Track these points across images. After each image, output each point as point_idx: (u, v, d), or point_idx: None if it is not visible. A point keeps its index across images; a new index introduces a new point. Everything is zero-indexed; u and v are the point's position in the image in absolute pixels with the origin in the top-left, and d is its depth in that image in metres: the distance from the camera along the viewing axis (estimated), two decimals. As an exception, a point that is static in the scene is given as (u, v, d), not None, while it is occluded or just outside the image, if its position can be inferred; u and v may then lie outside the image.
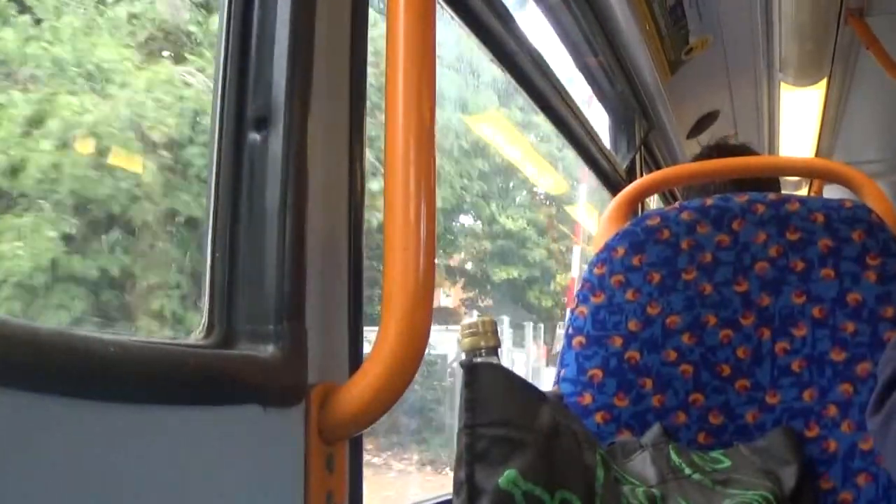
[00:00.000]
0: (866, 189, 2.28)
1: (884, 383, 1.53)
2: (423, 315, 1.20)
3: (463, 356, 1.38)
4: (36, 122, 3.79)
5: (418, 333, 1.20)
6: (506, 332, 12.39)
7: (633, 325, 1.87)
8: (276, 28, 1.28)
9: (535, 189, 15.88)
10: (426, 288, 1.19)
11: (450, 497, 1.33)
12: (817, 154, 5.62)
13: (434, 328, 1.24)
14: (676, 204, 2.04)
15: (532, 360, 13.70)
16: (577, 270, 12.14)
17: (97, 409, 0.91)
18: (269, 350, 1.19)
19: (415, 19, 1.24)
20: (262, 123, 1.25)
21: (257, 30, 1.28)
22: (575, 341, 1.90)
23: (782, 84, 4.60)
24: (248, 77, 1.27)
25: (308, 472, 1.22)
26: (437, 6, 1.30)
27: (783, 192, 2.23)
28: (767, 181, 2.57)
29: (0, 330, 0.82)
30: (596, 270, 1.95)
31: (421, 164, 1.20)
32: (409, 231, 1.18)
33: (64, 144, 3.86)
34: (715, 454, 1.72)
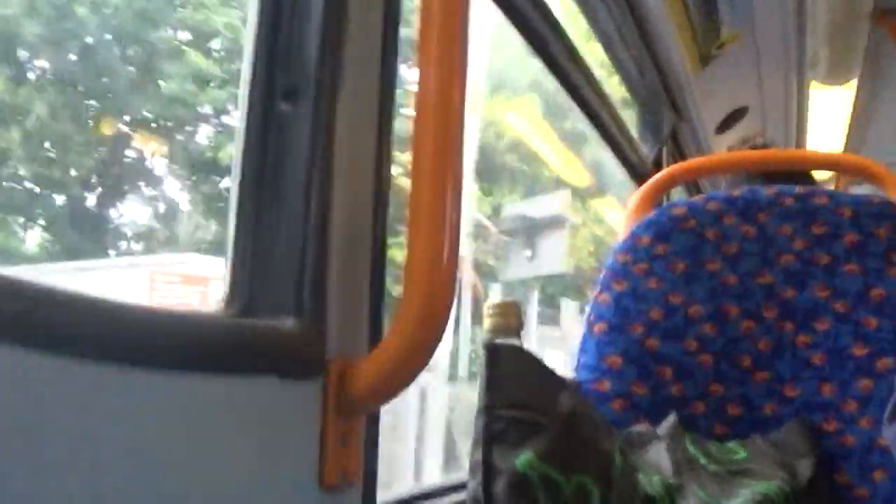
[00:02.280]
0: (890, 183, 2.28)
1: None
2: (445, 289, 1.18)
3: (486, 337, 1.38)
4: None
5: (440, 308, 1.19)
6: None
7: (654, 314, 1.87)
8: (310, 2, 1.27)
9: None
10: (450, 262, 1.18)
11: (465, 480, 1.33)
12: (845, 152, 5.60)
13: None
14: (702, 195, 2.03)
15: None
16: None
17: (114, 371, 0.91)
18: (289, 322, 1.19)
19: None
20: (292, 94, 1.25)
21: (289, 2, 1.28)
22: (596, 328, 1.89)
23: (812, 82, 4.59)
24: (280, 47, 1.27)
25: (323, 445, 1.22)
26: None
27: None
28: (803, 176, 2.56)
29: (20, 289, 0.82)
30: (619, 258, 1.94)
31: (448, 139, 1.19)
32: (434, 203, 1.17)
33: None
34: (731, 445, 1.71)
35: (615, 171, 3.75)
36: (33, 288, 0.84)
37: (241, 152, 1.26)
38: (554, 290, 17.07)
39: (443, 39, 1.22)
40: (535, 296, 14.36)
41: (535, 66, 2.62)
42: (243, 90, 1.27)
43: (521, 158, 16.10)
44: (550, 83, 2.82)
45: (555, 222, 13.40)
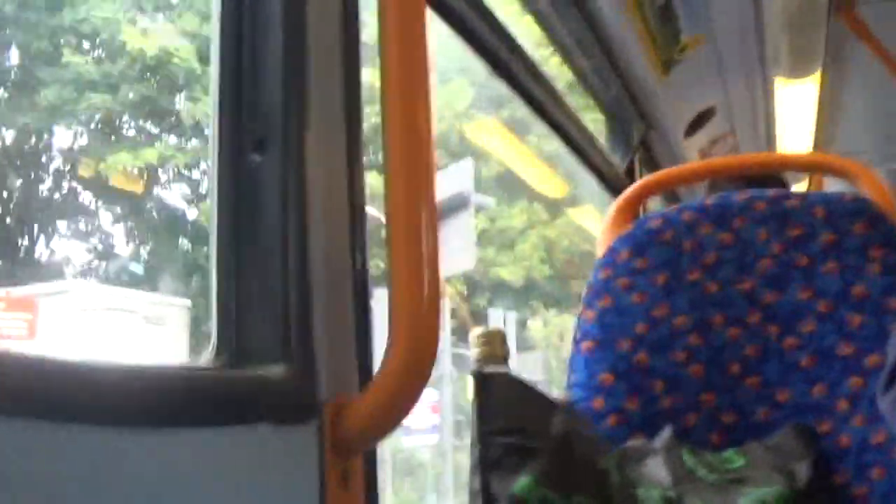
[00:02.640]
0: (864, 179, 2.29)
1: (893, 363, 1.53)
2: (431, 325, 1.19)
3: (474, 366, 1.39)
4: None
5: (428, 343, 1.20)
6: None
7: (640, 328, 1.87)
8: (269, 50, 1.28)
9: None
10: (433, 299, 1.19)
11: None
12: (815, 146, 5.63)
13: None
14: (677, 205, 2.04)
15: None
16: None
17: (109, 434, 0.92)
18: (279, 369, 1.19)
19: (407, 28, 1.25)
20: (261, 145, 1.26)
21: (251, 53, 1.29)
22: (584, 346, 1.90)
23: (777, 78, 4.61)
24: (245, 100, 1.28)
25: (324, 488, 1.22)
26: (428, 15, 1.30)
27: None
28: (772, 177, 2.58)
29: (5, 361, 0.83)
30: (601, 274, 1.95)
31: (421, 177, 1.20)
32: (412, 243, 1.18)
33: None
34: (728, 454, 1.72)
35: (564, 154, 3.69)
36: (14, 356, 0.84)
37: (216, 205, 1.26)
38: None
39: (405, 69, 1.23)
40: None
41: (462, 51, 2.59)
42: (212, 144, 1.28)
43: (448, 153, 15.36)
44: (481, 69, 2.78)
45: (458, 204, 10.65)
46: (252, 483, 1.12)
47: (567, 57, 3.63)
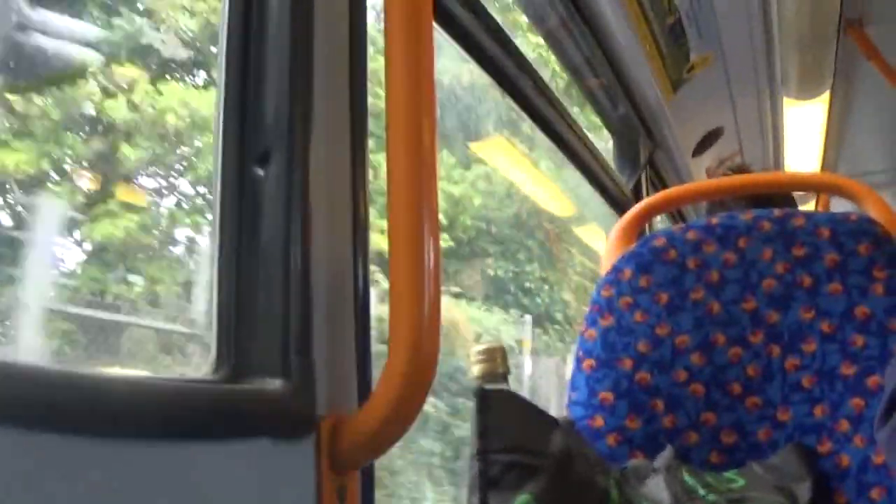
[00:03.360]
0: (870, 201, 2.28)
1: (890, 395, 1.53)
2: (430, 342, 1.19)
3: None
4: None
5: (426, 360, 1.20)
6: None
7: (642, 347, 1.87)
8: (274, 62, 1.28)
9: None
10: (433, 316, 1.19)
11: None
12: (822, 167, 5.63)
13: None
14: (682, 224, 2.04)
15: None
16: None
17: (107, 446, 0.92)
18: (277, 383, 1.19)
19: (413, 46, 1.24)
20: (265, 158, 1.26)
21: (255, 64, 1.29)
22: (585, 364, 1.89)
23: (785, 98, 4.61)
24: (249, 114, 1.28)
25: (321, 503, 1.22)
26: (435, 32, 1.30)
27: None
28: (782, 197, 2.57)
29: (7, 372, 0.83)
30: (604, 293, 1.95)
31: (424, 192, 1.20)
32: (414, 259, 1.18)
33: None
34: (729, 474, 1.71)
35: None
36: (16, 368, 0.84)
37: (218, 219, 1.26)
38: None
39: (410, 85, 1.23)
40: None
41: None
42: (215, 158, 1.28)
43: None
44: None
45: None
46: (248, 498, 1.12)
47: (576, 75, 3.64)
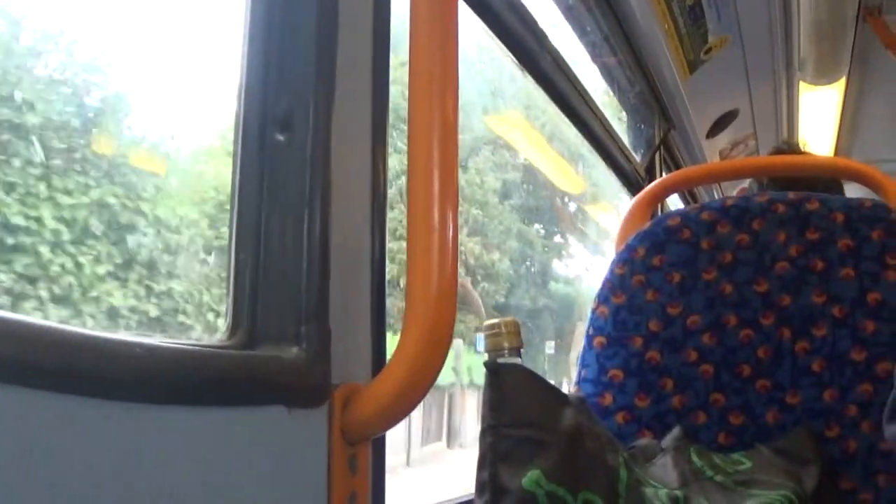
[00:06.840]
0: (885, 187, 2.28)
1: None
2: (446, 315, 1.19)
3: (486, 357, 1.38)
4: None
5: (441, 334, 1.20)
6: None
7: (653, 326, 1.87)
8: (299, 30, 1.28)
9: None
10: (450, 288, 1.19)
11: (471, 497, 1.34)
12: (837, 152, 5.62)
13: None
14: (697, 204, 2.03)
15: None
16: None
17: (122, 409, 0.92)
18: (292, 351, 1.19)
19: (437, 18, 1.24)
20: (287, 125, 1.25)
21: (280, 31, 1.28)
22: (595, 341, 1.89)
23: (801, 83, 4.61)
24: (272, 78, 1.27)
25: (331, 472, 1.22)
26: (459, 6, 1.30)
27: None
28: (828, 181, 2.58)
29: (26, 332, 0.83)
30: (616, 270, 1.94)
31: (444, 164, 1.20)
32: (431, 232, 1.18)
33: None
34: (736, 456, 1.71)
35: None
36: (35, 328, 0.85)
37: (237, 185, 1.26)
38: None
39: (434, 60, 1.23)
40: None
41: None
42: (236, 123, 1.27)
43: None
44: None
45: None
46: (260, 464, 1.12)
47: (593, 52, 3.63)
